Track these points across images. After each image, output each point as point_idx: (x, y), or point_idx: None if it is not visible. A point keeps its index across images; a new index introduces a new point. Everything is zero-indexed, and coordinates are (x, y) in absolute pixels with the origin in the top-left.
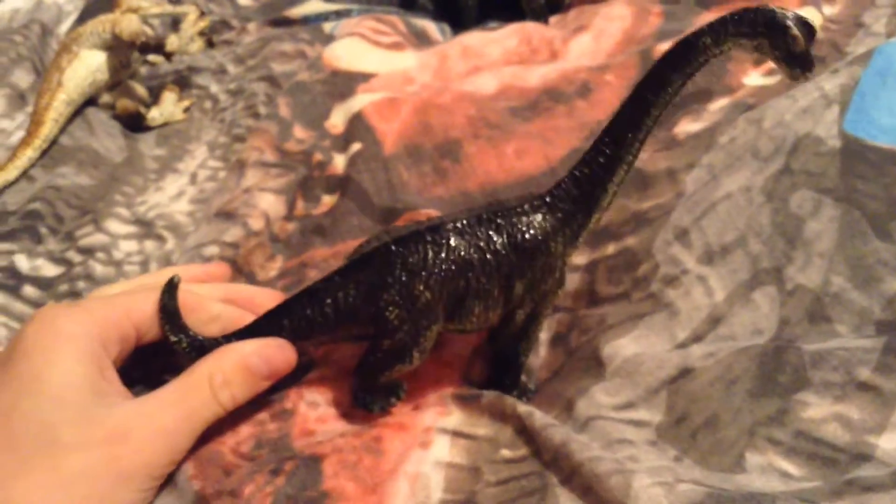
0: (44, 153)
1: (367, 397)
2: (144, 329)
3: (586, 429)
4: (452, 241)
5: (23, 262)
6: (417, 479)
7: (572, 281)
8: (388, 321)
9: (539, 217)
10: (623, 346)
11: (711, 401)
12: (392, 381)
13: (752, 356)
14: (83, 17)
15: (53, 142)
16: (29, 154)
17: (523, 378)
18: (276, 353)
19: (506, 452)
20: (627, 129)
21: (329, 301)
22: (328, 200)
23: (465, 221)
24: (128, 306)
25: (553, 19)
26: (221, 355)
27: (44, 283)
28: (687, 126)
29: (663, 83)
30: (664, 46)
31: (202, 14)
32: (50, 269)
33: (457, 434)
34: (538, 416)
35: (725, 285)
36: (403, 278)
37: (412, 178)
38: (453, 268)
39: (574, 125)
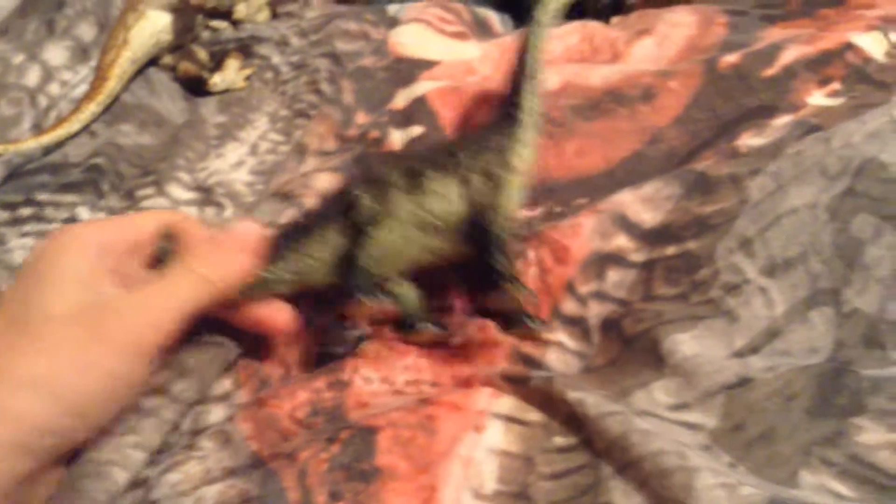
0: (106, 108)
1: (357, 286)
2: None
3: (639, 419)
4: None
5: (85, 215)
6: (470, 465)
7: (626, 275)
8: (353, 197)
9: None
10: (683, 342)
11: (769, 414)
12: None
13: (811, 375)
14: None
15: (116, 98)
16: (92, 108)
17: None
18: (240, 226)
19: (558, 440)
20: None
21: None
22: None
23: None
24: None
25: (614, 20)
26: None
27: None
28: (749, 140)
29: None
30: (730, 57)
31: None
32: None
33: (510, 419)
34: (591, 404)
35: (785, 300)
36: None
37: None
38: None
39: (636, 128)
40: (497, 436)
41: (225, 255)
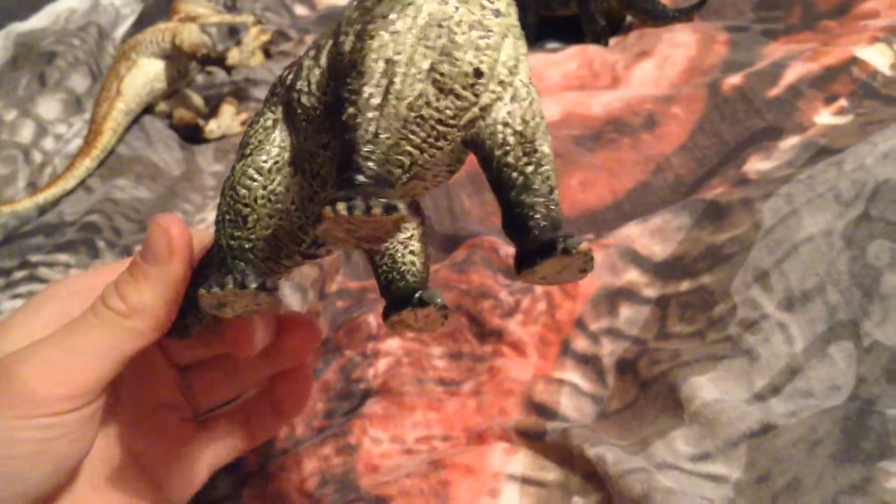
0: (101, 162)
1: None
2: None
3: (661, 475)
4: None
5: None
6: None
7: (640, 312)
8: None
9: None
10: (701, 387)
11: (794, 463)
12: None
13: (834, 419)
14: (140, 22)
15: (111, 151)
16: (87, 164)
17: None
18: (152, 231)
19: (577, 500)
20: None
21: None
22: None
23: None
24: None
25: (612, 41)
26: None
27: None
28: (757, 164)
29: None
30: (732, 79)
31: (259, 24)
32: None
33: (526, 480)
34: (612, 461)
35: (804, 335)
36: None
37: (474, 206)
38: None
39: (640, 158)
40: (513, 500)
41: (139, 282)
